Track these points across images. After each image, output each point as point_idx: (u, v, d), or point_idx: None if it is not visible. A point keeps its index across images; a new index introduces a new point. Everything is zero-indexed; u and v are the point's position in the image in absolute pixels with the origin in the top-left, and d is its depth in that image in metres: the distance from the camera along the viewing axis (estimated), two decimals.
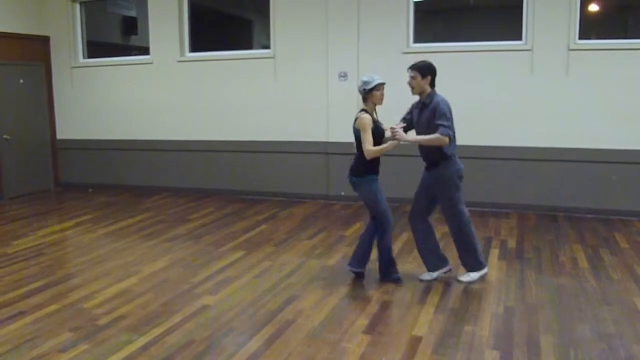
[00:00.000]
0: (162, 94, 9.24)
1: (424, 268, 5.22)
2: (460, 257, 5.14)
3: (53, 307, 4.62)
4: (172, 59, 9.10)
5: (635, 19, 7.86)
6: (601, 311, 4.42)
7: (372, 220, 5.12)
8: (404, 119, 5.10)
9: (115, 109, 9.57)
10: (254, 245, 6.35)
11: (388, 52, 7.91)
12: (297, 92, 8.40)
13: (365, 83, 4.88)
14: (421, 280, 5.11)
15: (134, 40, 10.44)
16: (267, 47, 8.76)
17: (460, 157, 7.67)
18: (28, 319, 4.40)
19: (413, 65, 4.95)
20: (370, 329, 4.16)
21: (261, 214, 7.80)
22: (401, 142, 4.81)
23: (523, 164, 7.60)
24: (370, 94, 4.87)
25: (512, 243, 6.27)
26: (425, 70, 4.89)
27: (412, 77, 4.90)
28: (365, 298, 4.78)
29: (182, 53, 9.10)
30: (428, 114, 4.88)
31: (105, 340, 4.01)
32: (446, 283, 5.03)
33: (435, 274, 5.16)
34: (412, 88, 4.95)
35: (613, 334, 4.02)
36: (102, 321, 4.34)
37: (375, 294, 4.84)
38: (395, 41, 7.92)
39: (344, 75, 8.12)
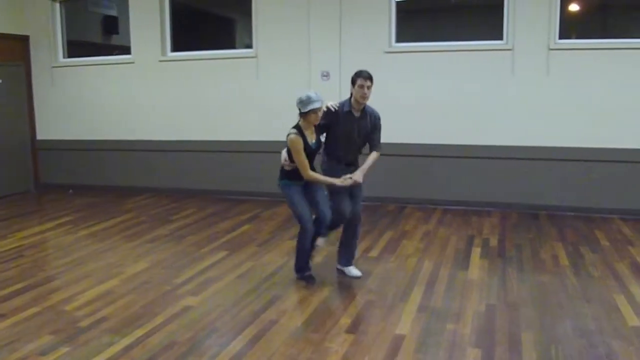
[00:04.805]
0: (144, 94, 9.17)
1: (407, 268, 5.25)
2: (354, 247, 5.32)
3: (33, 310, 4.56)
4: (154, 59, 9.03)
5: (615, 18, 7.95)
6: (581, 308, 4.47)
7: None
8: (325, 126, 4.91)
9: (96, 109, 9.47)
10: (237, 245, 6.32)
11: (370, 51, 7.91)
12: (279, 91, 8.34)
13: (301, 103, 4.67)
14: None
15: (115, 40, 10.34)
16: (250, 46, 8.73)
17: (443, 157, 7.82)
18: (7, 322, 4.34)
19: (369, 75, 4.77)
20: (353, 328, 4.16)
21: (244, 214, 7.77)
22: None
23: (505, 163, 7.65)
24: (307, 115, 4.69)
25: (494, 241, 6.31)
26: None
27: (369, 87, 4.75)
28: (348, 297, 4.78)
29: (163, 52, 9.04)
30: (369, 124, 4.93)
31: (87, 343, 3.97)
32: (428, 282, 5.05)
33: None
34: (365, 99, 4.78)
35: (593, 330, 4.06)
36: (83, 323, 4.29)
37: (358, 293, 4.84)
38: (378, 40, 7.94)
39: (326, 75, 8.10)
